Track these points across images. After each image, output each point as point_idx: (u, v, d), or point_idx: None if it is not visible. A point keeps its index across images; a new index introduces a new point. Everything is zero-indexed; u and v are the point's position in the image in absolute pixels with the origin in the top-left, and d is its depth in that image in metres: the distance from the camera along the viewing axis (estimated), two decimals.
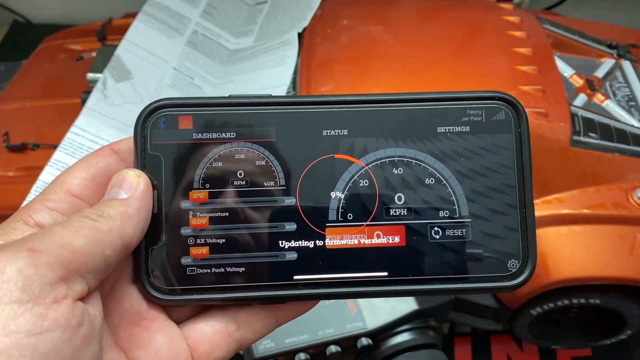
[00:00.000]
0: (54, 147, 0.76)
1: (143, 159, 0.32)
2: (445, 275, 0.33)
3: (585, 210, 0.70)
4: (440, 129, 0.34)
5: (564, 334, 0.83)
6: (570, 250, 0.69)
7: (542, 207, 0.70)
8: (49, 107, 0.89)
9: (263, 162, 0.33)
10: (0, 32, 1.34)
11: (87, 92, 0.81)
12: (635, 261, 0.68)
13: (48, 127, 0.86)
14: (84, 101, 0.80)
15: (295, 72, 0.81)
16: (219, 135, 0.33)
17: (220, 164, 0.33)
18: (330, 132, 0.33)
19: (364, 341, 0.62)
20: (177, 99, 0.33)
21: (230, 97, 0.33)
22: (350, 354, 0.63)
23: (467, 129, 0.34)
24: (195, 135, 0.33)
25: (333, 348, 0.61)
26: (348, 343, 0.62)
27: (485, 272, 0.33)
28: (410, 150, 0.33)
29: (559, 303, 0.73)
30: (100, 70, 0.83)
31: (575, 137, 0.69)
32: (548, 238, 0.69)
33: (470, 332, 0.91)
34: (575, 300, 0.73)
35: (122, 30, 0.89)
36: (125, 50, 0.84)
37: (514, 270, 0.33)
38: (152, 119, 0.33)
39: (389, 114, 0.34)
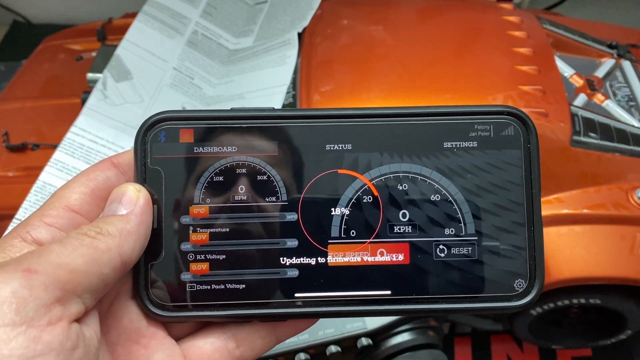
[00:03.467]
0: (54, 147, 0.75)
1: (143, 173, 0.32)
2: (450, 295, 0.32)
3: (585, 210, 0.69)
4: (447, 144, 0.33)
5: (564, 334, 0.83)
6: (570, 250, 0.69)
7: (542, 207, 0.70)
8: (49, 107, 0.88)
9: (265, 177, 0.33)
10: (0, 32, 1.34)
11: (87, 92, 0.81)
12: (635, 261, 0.68)
13: (48, 127, 0.86)
14: (84, 101, 0.80)
15: (295, 72, 0.80)
16: (220, 149, 0.33)
17: (221, 178, 0.33)
18: (333, 147, 0.33)
19: (364, 341, 0.62)
20: (178, 112, 0.33)
21: (232, 110, 0.33)
22: (350, 354, 0.63)
23: (475, 144, 0.33)
24: (196, 149, 0.32)
25: (333, 348, 0.61)
26: (348, 343, 0.62)
27: (491, 291, 0.32)
28: (416, 165, 0.33)
29: (559, 303, 0.73)
30: (100, 70, 0.82)
31: (575, 137, 0.69)
32: (548, 238, 0.69)
33: (470, 332, 0.91)
34: (575, 300, 0.73)
35: (122, 30, 0.88)
36: (125, 50, 0.84)
37: (520, 290, 0.32)
38: (153, 132, 0.32)
39: (394, 128, 0.33)
